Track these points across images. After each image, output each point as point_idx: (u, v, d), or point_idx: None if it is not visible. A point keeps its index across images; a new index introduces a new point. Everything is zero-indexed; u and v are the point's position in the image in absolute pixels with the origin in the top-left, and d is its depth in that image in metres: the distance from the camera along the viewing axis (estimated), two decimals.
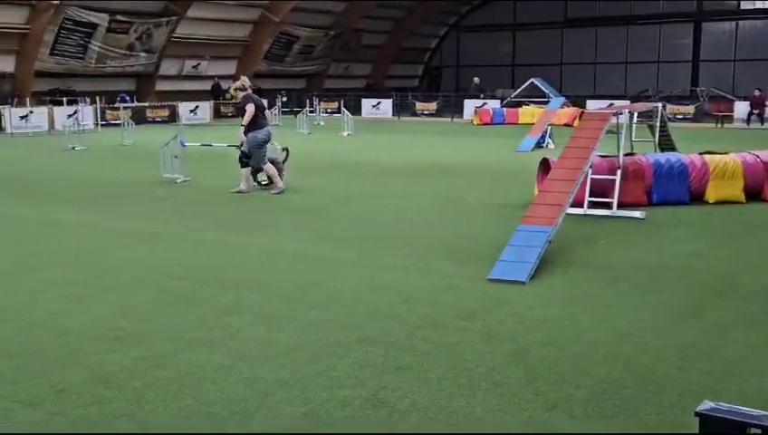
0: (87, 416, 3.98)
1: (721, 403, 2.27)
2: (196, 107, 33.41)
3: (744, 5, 40.74)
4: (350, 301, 6.07)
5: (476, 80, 36.33)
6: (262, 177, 12.46)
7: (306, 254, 7.80)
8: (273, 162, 12.17)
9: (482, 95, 33.21)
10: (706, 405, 2.28)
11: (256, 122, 11.73)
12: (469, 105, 33.83)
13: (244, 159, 12.01)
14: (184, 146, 13.49)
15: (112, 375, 4.54)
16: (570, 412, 4.03)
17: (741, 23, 41.10)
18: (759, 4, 40.36)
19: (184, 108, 32.83)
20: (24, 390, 4.33)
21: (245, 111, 11.70)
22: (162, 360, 4.78)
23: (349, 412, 4.02)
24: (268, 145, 12.13)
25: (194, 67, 36.97)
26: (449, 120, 33.57)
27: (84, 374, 4.56)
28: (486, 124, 30.11)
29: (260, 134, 11.76)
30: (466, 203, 11.14)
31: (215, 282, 6.68)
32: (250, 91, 12.01)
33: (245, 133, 11.78)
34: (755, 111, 28.83)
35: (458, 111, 34.40)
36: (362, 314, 5.70)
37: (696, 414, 2.27)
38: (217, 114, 34.95)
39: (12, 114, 26.35)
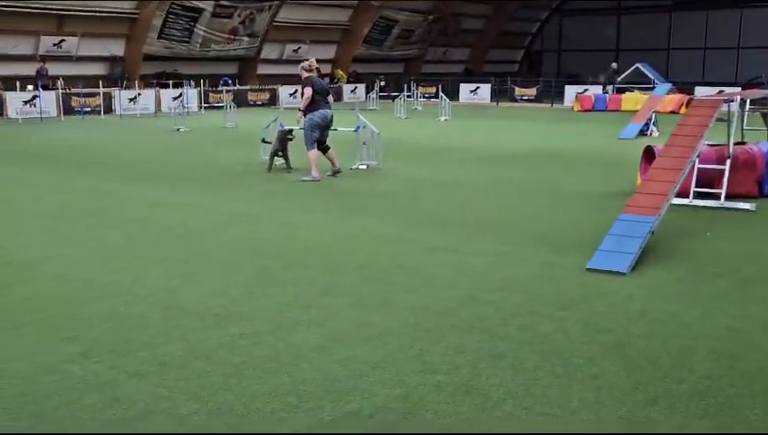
0: (187, 389, 4.11)
1: None
2: (296, 91, 33.89)
3: None
4: (445, 286, 6.04)
5: (614, 65, 33.56)
6: (278, 160, 12.67)
7: (400, 238, 7.82)
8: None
9: (618, 79, 31.01)
10: None
11: (314, 105, 11.70)
12: (570, 91, 33.13)
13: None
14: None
15: (212, 351, 4.67)
16: (671, 408, 3.90)
17: None
18: None
19: (284, 91, 33.41)
20: (131, 361, 4.50)
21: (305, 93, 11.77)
22: (260, 338, 4.88)
23: (442, 398, 4.01)
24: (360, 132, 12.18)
25: (294, 51, 37.55)
26: (549, 105, 32.99)
27: (186, 348, 4.70)
28: (588, 111, 29.43)
29: (314, 116, 11.68)
30: (565, 191, 10.92)
31: (311, 263, 6.77)
32: (315, 73, 11.95)
33: (305, 115, 11.78)
34: None
35: (559, 96, 33.75)
36: (457, 300, 5.68)
37: None
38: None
39: (121, 96, 27.40)
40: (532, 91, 35.44)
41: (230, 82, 32.44)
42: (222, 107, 25.48)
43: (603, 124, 22.72)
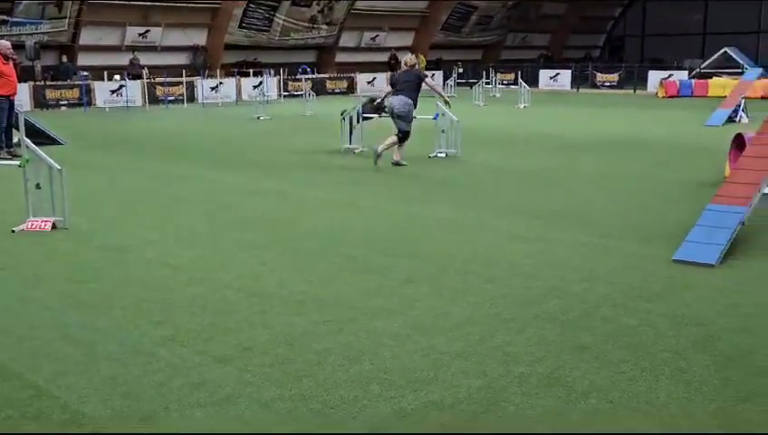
0: (271, 375, 4.17)
1: None
2: (374, 78, 33.98)
3: None
4: (527, 276, 5.97)
5: None
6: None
7: (481, 227, 7.76)
8: None
9: None
10: None
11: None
12: (654, 76, 32.24)
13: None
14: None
15: (295, 337, 4.73)
16: (765, 406, 3.77)
17: None
18: None
19: (362, 79, 33.51)
20: (216, 346, 4.60)
21: None
22: (342, 325, 4.92)
23: (525, 389, 3.96)
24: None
25: (372, 39, 37.60)
26: (632, 91, 32.20)
27: (269, 335, 4.78)
28: (672, 97, 28.60)
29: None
30: (650, 179, 10.65)
31: (392, 251, 6.79)
32: (405, 68, 12.31)
33: None
34: None
35: (642, 82, 32.87)
36: (539, 290, 5.60)
37: None
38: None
39: (204, 85, 27.96)
40: (614, 77, 34.62)
41: (309, 70, 32.71)
42: (301, 95, 25.73)
43: (689, 110, 22.06)
